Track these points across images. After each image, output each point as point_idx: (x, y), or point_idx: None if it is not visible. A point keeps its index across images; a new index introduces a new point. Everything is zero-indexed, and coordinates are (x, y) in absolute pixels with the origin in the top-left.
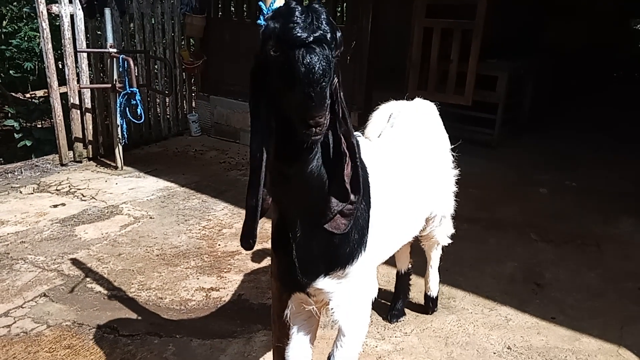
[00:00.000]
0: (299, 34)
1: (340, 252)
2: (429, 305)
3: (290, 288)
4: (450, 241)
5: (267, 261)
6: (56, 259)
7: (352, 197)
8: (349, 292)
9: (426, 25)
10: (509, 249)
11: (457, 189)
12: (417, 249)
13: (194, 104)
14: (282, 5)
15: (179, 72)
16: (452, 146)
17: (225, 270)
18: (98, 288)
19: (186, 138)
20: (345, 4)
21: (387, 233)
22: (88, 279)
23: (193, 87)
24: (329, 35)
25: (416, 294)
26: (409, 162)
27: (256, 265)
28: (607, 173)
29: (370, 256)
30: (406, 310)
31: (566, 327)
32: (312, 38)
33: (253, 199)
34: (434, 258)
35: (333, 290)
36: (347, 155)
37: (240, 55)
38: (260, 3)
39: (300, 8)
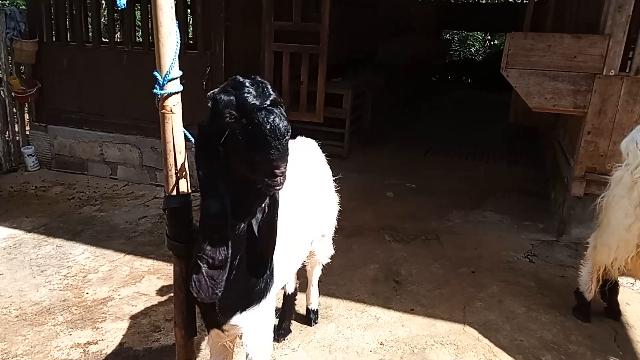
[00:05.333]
0: (256, 100)
1: (255, 290)
2: (311, 318)
3: (208, 326)
4: (329, 260)
5: (144, 303)
6: None
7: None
8: (258, 323)
9: (275, 50)
10: (370, 252)
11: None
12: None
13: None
14: (230, 79)
15: (8, 102)
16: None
17: (99, 320)
18: None
19: (22, 174)
20: (196, 32)
21: (288, 262)
22: None
23: (27, 117)
24: (279, 99)
25: (298, 308)
26: (301, 195)
27: (133, 310)
28: (438, 173)
29: (276, 287)
30: (293, 324)
31: (423, 315)
32: (269, 102)
33: (223, 253)
34: (315, 276)
35: (245, 324)
36: (267, 211)
37: (81, 81)
38: (155, 73)
39: (248, 81)
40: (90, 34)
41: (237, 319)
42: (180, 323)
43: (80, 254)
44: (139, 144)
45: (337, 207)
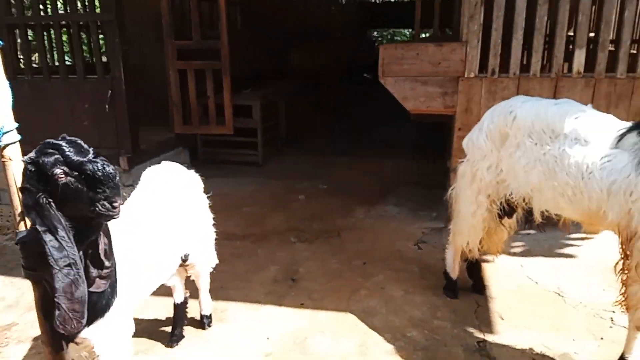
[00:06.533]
0: (80, 157)
1: (98, 306)
2: (204, 322)
3: (64, 340)
4: (211, 270)
5: None
6: None
7: (106, 263)
8: (108, 335)
9: (180, 68)
10: (273, 255)
11: (214, 227)
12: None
13: None
14: (44, 143)
15: None
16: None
17: (2, 345)
18: None
19: None
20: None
21: (138, 280)
22: None
23: None
24: (97, 151)
25: (195, 314)
26: (156, 218)
27: (37, 332)
28: (350, 172)
29: (123, 301)
30: (188, 329)
31: (311, 308)
32: (91, 155)
33: (82, 290)
34: (203, 284)
35: (93, 336)
36: (102, 234)
37: None
38: None
39: (63, 142)
40: None
41: (85, 333)
42: (46, 341)
43: None
44: None
45: (211, 221)
